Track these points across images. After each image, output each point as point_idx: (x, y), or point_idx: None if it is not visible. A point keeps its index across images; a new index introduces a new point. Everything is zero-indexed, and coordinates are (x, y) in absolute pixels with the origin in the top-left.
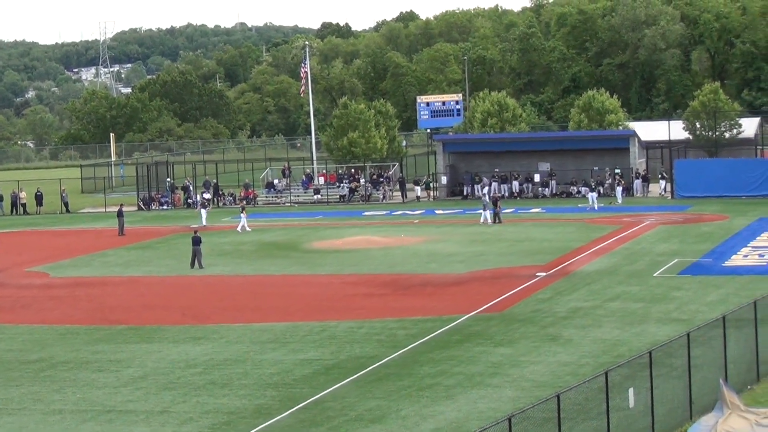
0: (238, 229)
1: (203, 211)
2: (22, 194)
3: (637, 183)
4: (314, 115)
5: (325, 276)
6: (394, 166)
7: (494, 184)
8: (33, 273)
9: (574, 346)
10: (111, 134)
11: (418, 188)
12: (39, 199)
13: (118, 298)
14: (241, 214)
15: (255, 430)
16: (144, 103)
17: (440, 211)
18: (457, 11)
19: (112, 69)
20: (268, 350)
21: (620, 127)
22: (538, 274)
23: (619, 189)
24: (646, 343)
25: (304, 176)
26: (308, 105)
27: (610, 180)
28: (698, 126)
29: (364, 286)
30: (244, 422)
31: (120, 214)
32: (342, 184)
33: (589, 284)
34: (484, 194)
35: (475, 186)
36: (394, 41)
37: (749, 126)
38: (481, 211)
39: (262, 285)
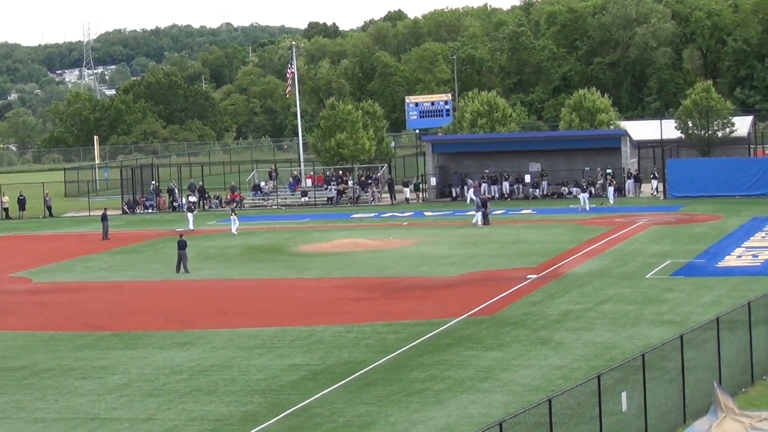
0: (234, 231)
1: (190, 215)
2: (5, 198)
3: (629, 183)
4: (301, 117)
5: (312, 280)
6: (382, 167)
7: (484, 185)
8: (16, 278)
9: (566, 350)
10: (95, 137)
11: (407, 190)
12: (22, 203)
13: (102, 303)
14: (232, 216)
15: None
16: (128, 105)
17: (430, 213)
18: (446, 10)
19: (95, 70)
20: (254, 356)
21: (611, 127)
22: (529, 276)
23: (610, 189)
24: (639, 346)
25: (291, 178)
26: (295, 106)
27: (601, 180)
28: (690, 125)
29: (352, 290)
30: (231, 429)
31: (104, 217)
32: (330, 186)
33: (580, 286)
34: (469, 196)
35: (465, 188)
36: (381, 41)
37: (742, 125)
38: (474, 212)
39: (248, 289)
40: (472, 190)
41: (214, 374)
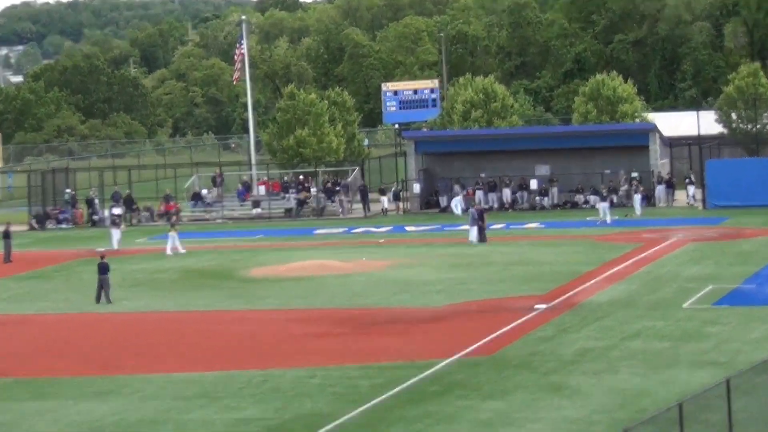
0: (168, 251)
1: (115, 232)
2: None
3: (660, 189)
4: (253, 108)
5: (267, 311)
6: (353, 171)
7: (479, 193)
8: None
9: (584, 399)
10: None
11: (384, 199)
12: None
13: (2, 342)
14: (170, 233)
15: None
16: (39, 94)
17: (412, 228)
18: None
19: None
20: (194, 408)
21: (637, 120)
22: (536, 306)
23: (637, 197)
24: (675, 394)
25: (240, 185)
26: (245, 96)
27: (625, 186)
28: (734, 117)
29: (316, 324)
30: None
31: (6, 235)
32: (288, 195)
33: (601, 319)
34: (455, 206)
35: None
36: (352, 15)
37: None
38: (467, 226)
39: (186, 323)
40: (458, 198)
41: None
